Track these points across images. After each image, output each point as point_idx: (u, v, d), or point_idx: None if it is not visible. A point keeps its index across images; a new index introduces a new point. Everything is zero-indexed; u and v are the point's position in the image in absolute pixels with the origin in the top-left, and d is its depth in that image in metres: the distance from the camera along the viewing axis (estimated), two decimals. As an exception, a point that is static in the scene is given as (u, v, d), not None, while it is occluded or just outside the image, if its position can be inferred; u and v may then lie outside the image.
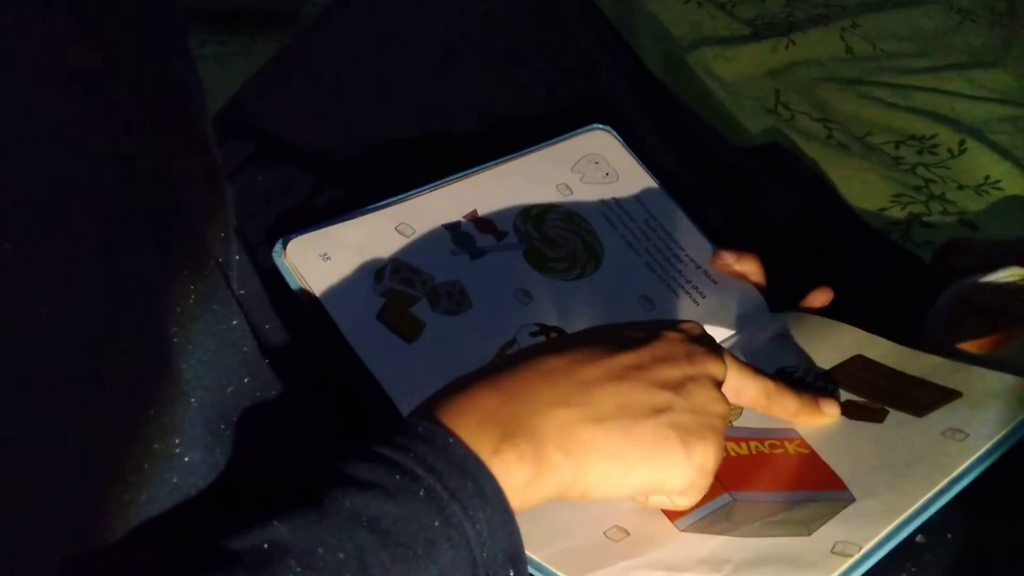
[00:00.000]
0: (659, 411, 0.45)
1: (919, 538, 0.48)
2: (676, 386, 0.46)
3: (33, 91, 0.33)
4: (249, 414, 0.45)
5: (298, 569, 0.36)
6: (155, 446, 0.39)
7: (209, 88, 0.45)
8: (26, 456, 0.34)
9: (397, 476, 0.39)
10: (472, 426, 0.42)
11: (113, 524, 0.38)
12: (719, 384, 0.49)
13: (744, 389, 0.52)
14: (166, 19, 0.43)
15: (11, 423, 0.33)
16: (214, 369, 0.42)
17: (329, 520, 0.38)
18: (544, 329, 0.62)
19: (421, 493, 0.39)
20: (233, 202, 0.47)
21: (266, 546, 0.36)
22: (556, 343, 0.48)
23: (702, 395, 0.47)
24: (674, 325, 0.50)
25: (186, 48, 0.45)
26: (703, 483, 0.47)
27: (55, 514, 0.35)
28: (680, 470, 0.46)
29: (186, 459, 0.41)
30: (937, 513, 0.45)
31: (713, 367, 0.49)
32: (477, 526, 0.39)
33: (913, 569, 0.48)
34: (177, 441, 0.40)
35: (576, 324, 0.62)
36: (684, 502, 0.48)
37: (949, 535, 0.49)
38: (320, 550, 0.36)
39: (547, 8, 0.82)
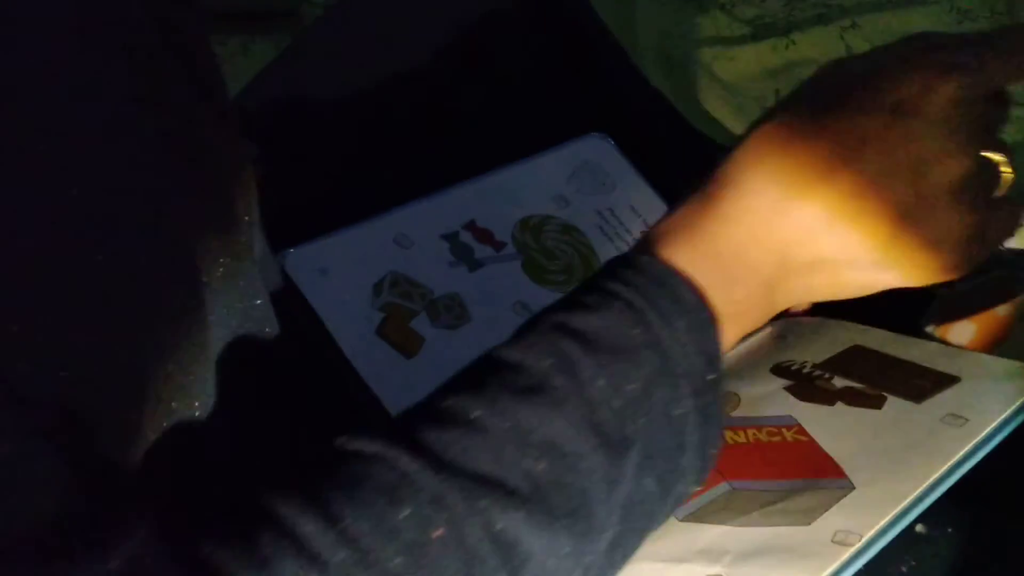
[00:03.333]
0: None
1: (919, 528, 0.48)
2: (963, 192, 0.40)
3: (94, 62, 0.34)
4: (263, 395, 0.46)
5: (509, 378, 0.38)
6: (173, 404, 0.38)
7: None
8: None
9: (606, 298, 0.40)
10: (701, 278, 0.41)
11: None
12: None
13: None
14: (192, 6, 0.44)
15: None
16: (235, 346, 0.42)
17: (533, 334, 0.39)
18: None
19: (619, 305, 0.40)
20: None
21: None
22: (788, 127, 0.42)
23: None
24: (911, 80, 0.40)
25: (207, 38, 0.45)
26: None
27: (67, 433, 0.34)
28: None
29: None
30: (938, 506, 0.45)
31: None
32: (677, 335, 0.39)
33: (913, 563, 0.48)
34: (197, 404, 0.40)
35: None
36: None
37: (949, 529, 0.49)
38: (526, 361, 0.38)
39: (548, 10, 0.82)
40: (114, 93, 0.34)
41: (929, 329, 0.67)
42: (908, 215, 0.40)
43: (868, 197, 0.40)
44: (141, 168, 0.35)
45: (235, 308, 0.41)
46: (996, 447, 0.48)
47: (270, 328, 0.45)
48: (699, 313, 0.40)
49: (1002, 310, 0.66)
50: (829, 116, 0.41)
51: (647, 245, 0.43)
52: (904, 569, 0.48)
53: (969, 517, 0.51)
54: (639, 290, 0.40)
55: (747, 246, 0.42)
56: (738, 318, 0.43)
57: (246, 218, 0.45)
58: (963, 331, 0.66)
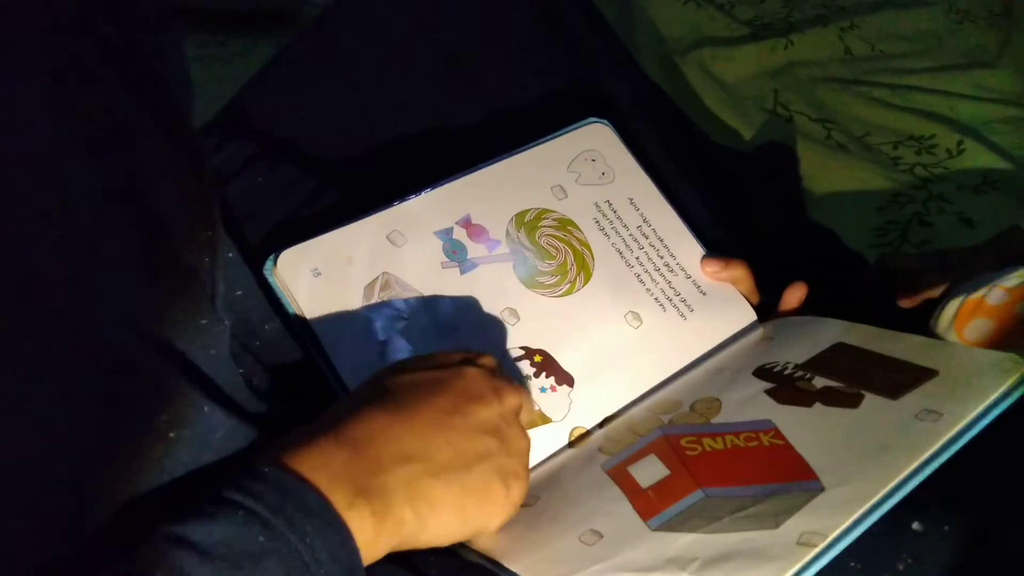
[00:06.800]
0: (483, 458, 0.48)
1: (916, 526, 0.48)
2: (493, 429, 0.49)
3: (24, 79, 0.34)
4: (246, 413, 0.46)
5: None
6: (171, 435, 0.40)
7: (209, 89, 0.46)
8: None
9: (227, 507, 0.40)
10: (324, 481, 0.43)
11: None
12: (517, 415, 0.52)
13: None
14: (159, 18, 0.44)
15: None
16: (205, 380, 0.43)
17: (145, 546, 0.38)
18: (528, 352, 0.62)
19: (241, 514, 0.40)
20: (222, 199, 0.48)
21: None
22: (384, 386, 0.50)
23: (513, 435, 0.51)
24: (472, 360, 0.53)
25: (179, 46, 0.45)
26: (512, 516, 0.51)
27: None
28: (503, 511, 0.49)
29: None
30: (935, 504, 0.45)
31: (515, 401, 0.52)
32: (315, 552, 0.40)
33: (910, 560, 0.48)
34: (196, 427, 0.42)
35: (561, 345, 0.63)
36: (493, 536, 0.51)
37: (947, 527, 0.49)
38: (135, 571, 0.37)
39: (547, 9, 0.83)
40: (50, 134, 0.35)
41: (941, 329, 0.67)
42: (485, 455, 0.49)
43: (462, 411, 0.49)
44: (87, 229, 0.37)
45: (195, 336, 0.43)
46: (995, 447, 0.48)
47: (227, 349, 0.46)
48: (325, 516, 0.42)
49: (1022, 307, 0.65)
50: (421, 369, 0.51)
51: (269, 459, 0.43)
52: (901, 567, 0.48)
53: (965, 515, 0.51)
54: (262, 499, 0.40)
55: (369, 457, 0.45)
56: (375, 545, 0.44)
57: (208, 233, 0.45)
58: (981, 328, 0.66)
